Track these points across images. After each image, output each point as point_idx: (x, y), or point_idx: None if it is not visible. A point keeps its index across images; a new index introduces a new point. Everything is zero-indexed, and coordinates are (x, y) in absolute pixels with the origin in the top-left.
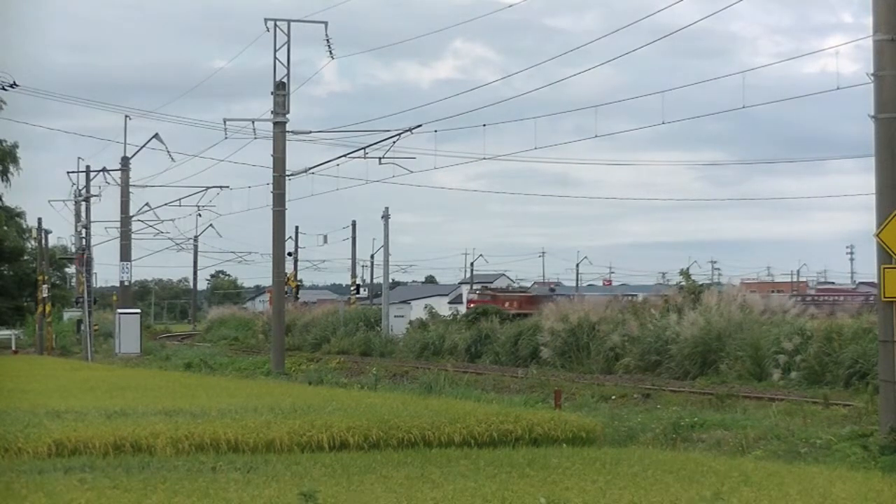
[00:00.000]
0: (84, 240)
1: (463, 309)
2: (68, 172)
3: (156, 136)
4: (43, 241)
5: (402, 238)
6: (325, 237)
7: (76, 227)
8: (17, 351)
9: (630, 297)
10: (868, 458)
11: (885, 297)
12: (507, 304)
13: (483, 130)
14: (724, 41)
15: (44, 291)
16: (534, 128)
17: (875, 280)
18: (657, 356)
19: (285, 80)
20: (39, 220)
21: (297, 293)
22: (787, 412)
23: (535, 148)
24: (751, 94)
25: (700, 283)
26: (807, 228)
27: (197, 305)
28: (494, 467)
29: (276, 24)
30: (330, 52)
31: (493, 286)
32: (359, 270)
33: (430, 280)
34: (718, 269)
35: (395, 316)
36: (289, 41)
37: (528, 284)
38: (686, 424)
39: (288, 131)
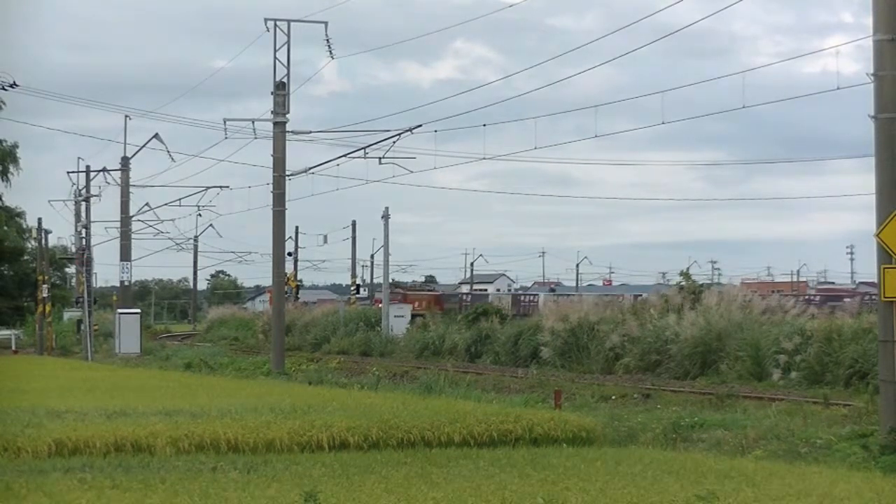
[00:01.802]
0: (84, 240)
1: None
2: (68, 172)
3: (156, 136)
4: (43, 241)
5: (402, 238)
6: (325, 237)
7: (76, 227)
8: (17, 351)
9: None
10: (868, 458)
11: (885, 297)
12: (416, 304)
13: (483, 130)
14: (724, 41)
15: (44, 291)
16: (534, 128)
17: (875, 280)
18: (657, 356)
19: (285, 80)
20: (39, 220)
21: (296, 293)
22: (787, 412)
23: (536, 148)
24: (751, 94)
25: (700, 283)
26: (807, 228)
27: (197, 305)
28: (494, 467)
29: (276, 24)
30: (330, 52)
31: (405, 284)
32: (359, 270)
33: (430, 280)
34: (718, 269)
35: (395, 316)
36: (289, 41)
37: (529, 284)
38: (686, 424)
39: (288, 131)
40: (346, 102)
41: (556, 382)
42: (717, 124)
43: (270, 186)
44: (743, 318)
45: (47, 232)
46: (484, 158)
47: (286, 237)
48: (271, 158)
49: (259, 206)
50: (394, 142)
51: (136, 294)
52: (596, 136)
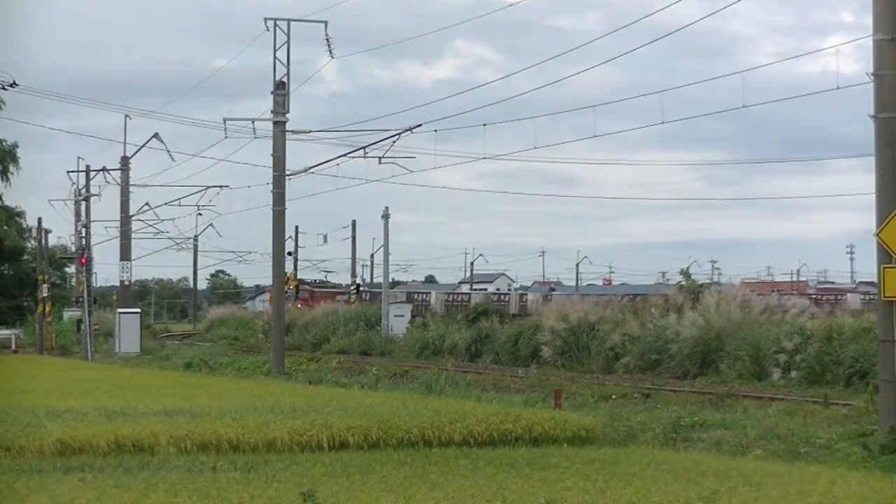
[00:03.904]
0: (84, 239)
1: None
2: (68, 172)
3: (156, 135)
4: (43, 241)
5: (402, 238)
6: (325, 237)
7: (76, 226)
8: (18, 350)
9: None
10: (868, 458)
11: (885, 297)
12: (322, 302)
13: (483, 130)
14: (724, 40)
15: (44, 291)
16: (534, 128)
17: (875, 280)
18: (657, 356)
19: (285, 79)
20: (39, 219)
21: (297, 293)
22: (787, 412)
23: (535, 148)
24: (751, 94)
25: (700, 282)
26: (807, 228)
27: (197, 305)
28: (494, 467)
29: (276, 24)
30: (330, 51)
31: (311, 282)
32: (359, 270)
33: (430, 280)
34: (718, 268)
35: (395, 315)
36: (289, 41)
37: (529, 284)
38: (686, 424)
39: (288, 131)
40: (346, 102)
41: (556, 382)
42: (717, 124)
43: (270, 186)
44: (743, 318)
45: (47, 232)
46: (484, 158)
47: (286, 237)
48: (271, 158)
49: (259, 206)
50: (393, 142)
51: (136, 294)
52: (595, 136)
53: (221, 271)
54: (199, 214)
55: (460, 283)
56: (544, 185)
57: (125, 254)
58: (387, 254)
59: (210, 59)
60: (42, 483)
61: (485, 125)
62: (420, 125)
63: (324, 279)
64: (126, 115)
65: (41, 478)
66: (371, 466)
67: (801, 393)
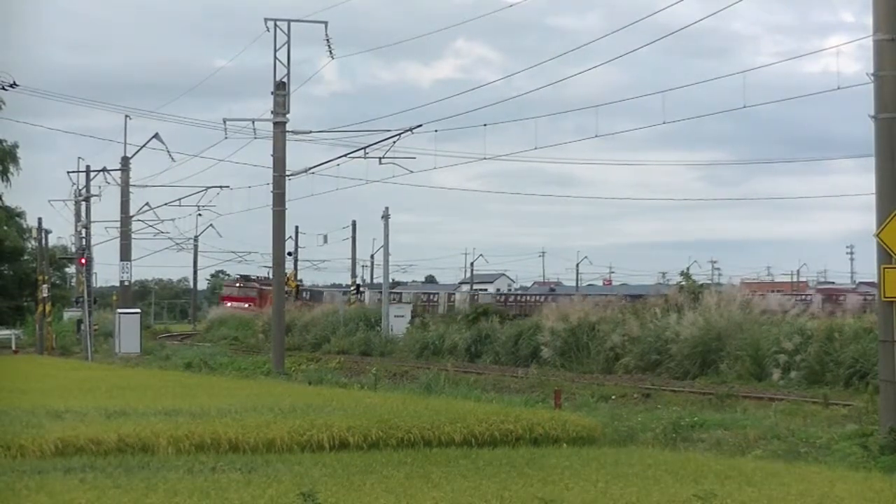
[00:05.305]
0: (84, 240)
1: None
2: (68, 172)
3: (156, 136)
4: (43, 241)
5: (402, 238)
6: (325, 237)
7: (76, 227)
8: (18, 351)
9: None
10: (868, 458)
11: (885, 297)
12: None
13: (483, 130)
14: (725, 40)
15: (44, 291)
16: (534, 127)
17: (875, 280)
18: (657, 356)
19: (285, 79)
20: (39, 220)
21: (297, 293)
22: (787, 412)
23: (536, 148)
24: (751, 94)
25: (700, 283)
26: (807, 228)
27: (197, 305)
28: (494, 467)
29: (276, 24)
30: (330, 51)
31: (262, 279)
32: (359, 270)
33: (430, 280)
34: (718, 269)
35: (395, 316)
36: (289, 41)
37: (529, 284)
38: (686, 424)
39: (288, 131)
40: (346, 102)
41: (556, 382)
42: (718, 124)
43: (270, 186)
44: (743, 318)
45: (47, 232)
46: (484, 158)
47: (286, 237)
48: (271, 158)
49: (259, 206)
50: (394, 142)
51: (136, 294)
52: (596, 136)
53: (221, 271)
54: (200, 215)
55: (460, 283)
56: (544, 185)
57: (125, 254)
58: (387, 254)
59: (210, 59)
60: (42, 483)
61: (485, 125)
62: (420, 125)
63: (269, 277)
64: (126, 115)
65: (41, 478)
66: (371, 466)
67: (801, 393)
